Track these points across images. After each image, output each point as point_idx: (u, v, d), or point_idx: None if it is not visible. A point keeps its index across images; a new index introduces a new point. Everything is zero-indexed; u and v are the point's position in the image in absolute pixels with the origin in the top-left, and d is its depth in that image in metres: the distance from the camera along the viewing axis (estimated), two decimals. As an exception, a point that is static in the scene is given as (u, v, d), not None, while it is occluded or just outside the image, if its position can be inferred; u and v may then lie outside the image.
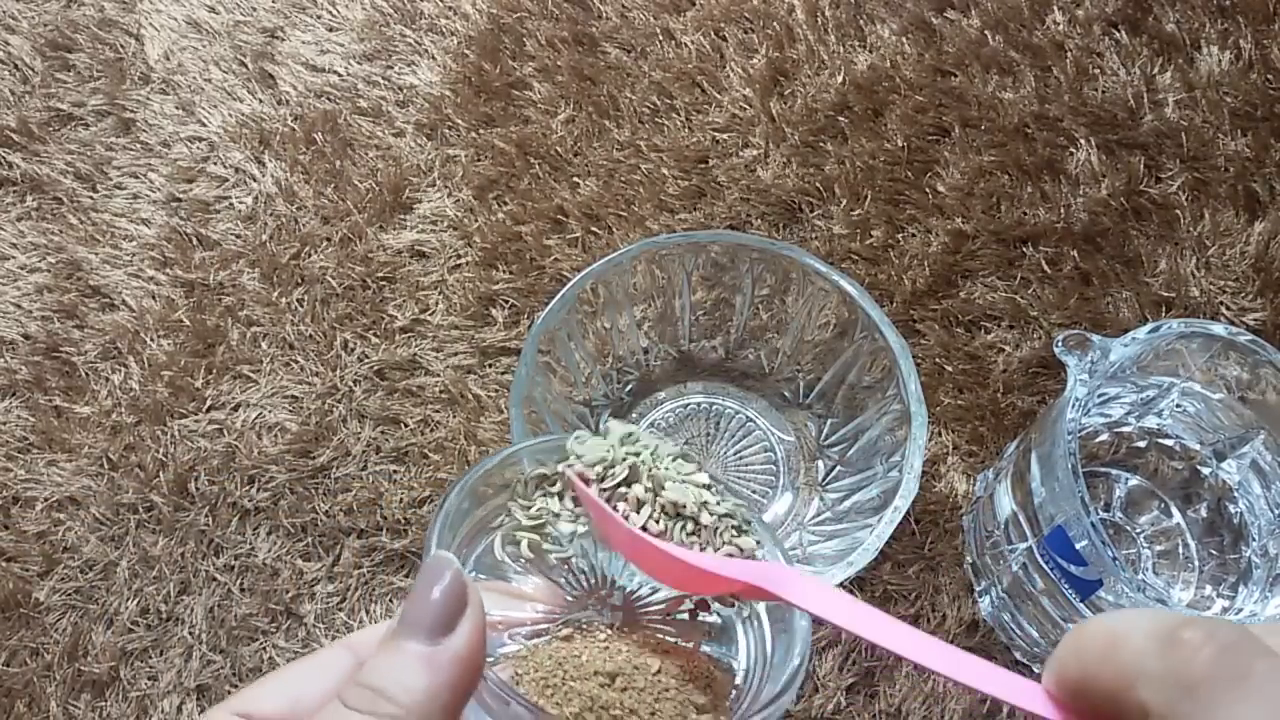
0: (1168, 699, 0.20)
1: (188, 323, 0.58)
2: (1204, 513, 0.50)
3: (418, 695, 0.25)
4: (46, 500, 0.55)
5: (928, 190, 0.60)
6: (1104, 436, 0.52)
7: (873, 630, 0.26)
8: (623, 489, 0.33)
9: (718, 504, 0.33)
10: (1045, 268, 0.58)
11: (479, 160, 0.62)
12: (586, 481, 0.33)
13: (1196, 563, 0.50)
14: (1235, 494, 0.50)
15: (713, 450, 0.55)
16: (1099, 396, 0.49)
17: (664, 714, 0.30)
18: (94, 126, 0.64)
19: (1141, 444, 0.51)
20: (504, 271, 0.59)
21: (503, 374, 0.57)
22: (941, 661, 0.24)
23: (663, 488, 0.33)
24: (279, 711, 0.28)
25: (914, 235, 0.59)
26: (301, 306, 0.58)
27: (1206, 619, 0.21)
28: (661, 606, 0.34)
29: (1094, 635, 0.22)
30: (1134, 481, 0.52)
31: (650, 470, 0.33)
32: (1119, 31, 0.64)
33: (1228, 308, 0.57)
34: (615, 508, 0.32)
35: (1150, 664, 0.20)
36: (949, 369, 0.56)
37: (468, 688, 0.26)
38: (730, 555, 0.33)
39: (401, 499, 0.54)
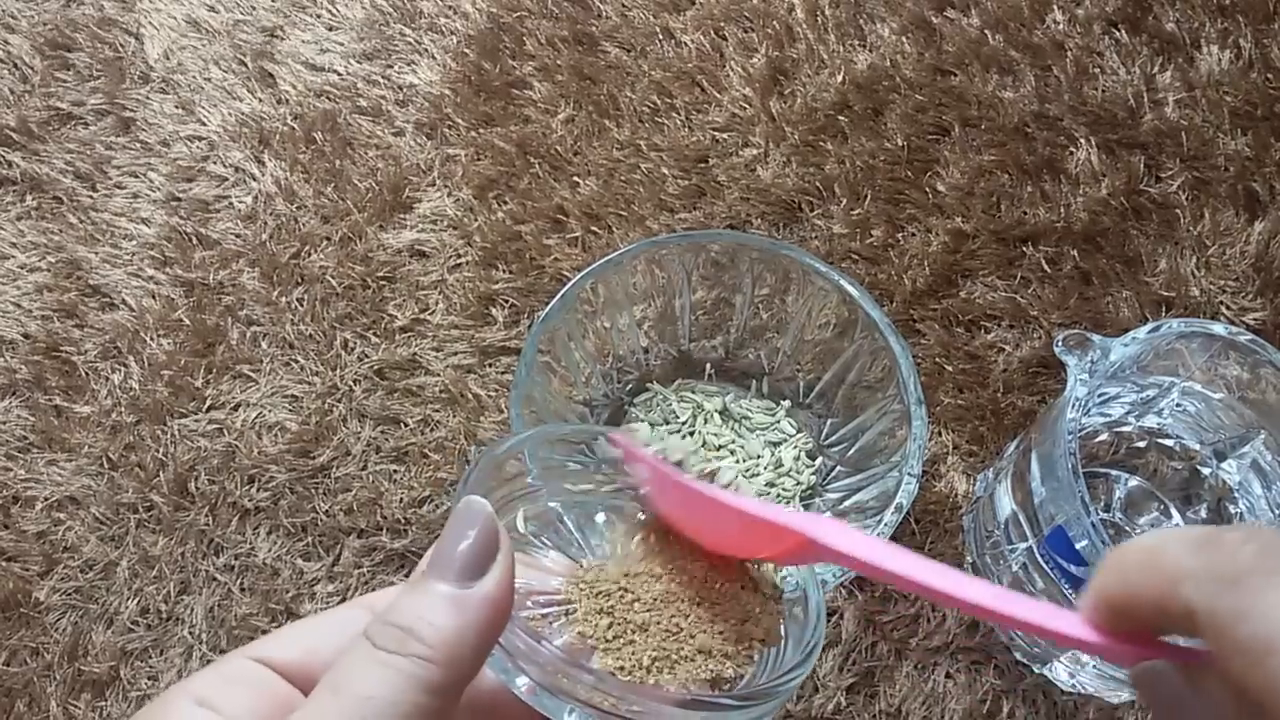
0: (1211, 593, 0.21)
1: (188, 322, 0.58)
2: (1204, 514, 0.50)
3: (447, 636, 0.25)
4: (46, 500, 0.55)
5: (928, 190, 0.60)
6: (1104, 436, 0.52)
7: (915, 572, 0.26)
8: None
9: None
10: (1045, 267, 0.58)
11: (479, 160, 0.62)
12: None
13: (1196, 563, 0.50)
14: (1235, 494, 0.50)
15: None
16: (1099, 396, 0.49)
17: (718, 629, 0.30)
18: (94, 126, 0.64)
19: (1141, 444, 0.51)
20: (504, 271, 0.59)
21: (503, 374, 0.57)
22: (988, 598, 0.25)
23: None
24: (294, 660, 0.28)
25: (914, 235, 0.59)
26: (301, 306, 0.58)
27: (1242, 524, 0.22)
28: None
29: (1133, 550, 0.23)
30: (1134, 483, 0.52)
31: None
32: (1119, 31, 0.64)
33: (1228, 307, 0.57)
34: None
35: (1192, 563, 0.21)
36: (949, 369, 0.56)
37: (496, 631, 0.26)
38: None
39: (401, 499, 0.54)
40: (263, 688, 0.27)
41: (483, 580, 0.26)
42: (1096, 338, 0.45)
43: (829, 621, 0.51)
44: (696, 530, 0.32)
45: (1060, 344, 0.45)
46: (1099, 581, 0.24)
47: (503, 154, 0.62)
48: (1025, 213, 0.59)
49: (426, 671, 0.24)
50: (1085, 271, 0.58)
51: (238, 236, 0.60)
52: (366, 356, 0.57)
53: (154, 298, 0.59)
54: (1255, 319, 0.56)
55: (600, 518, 0.35)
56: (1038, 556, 0.45)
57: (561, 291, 0.48)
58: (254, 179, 0.62)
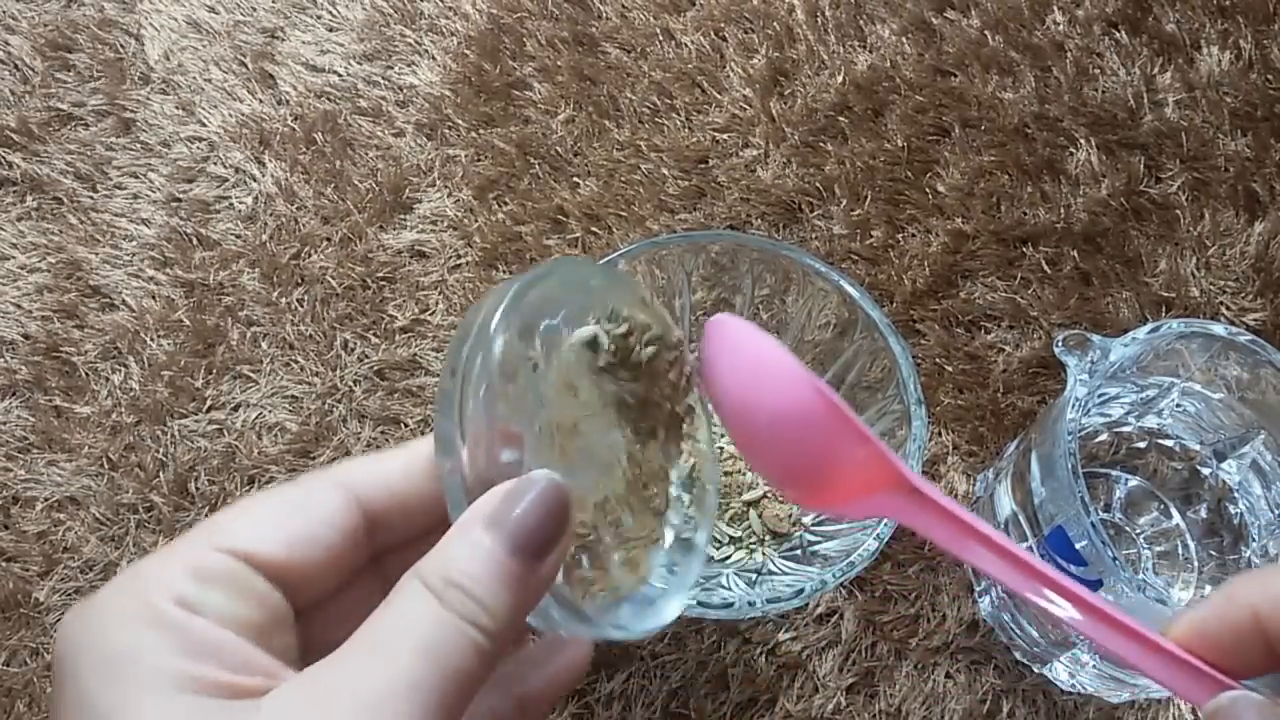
0: None
1: (188, 323, 0.58)
2: (1204, 513, 0.51)
3: (505, 615, 0.25)
4: (46, 500, 0.55)
5: (928, 190, 0.60)
6: (1104, 436, 0.52)
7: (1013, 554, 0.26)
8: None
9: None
10: (1045, 268, 0.58)
11: (479, 160, 0.62)
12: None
13: (1196, 563, 0.50)
14: (1235, 494, 0.50)
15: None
16: (1099, 396, 0.49)
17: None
18: (94, 126, 0.64)
19: (1141, 444, 0.51)
20: (504, 271, 0.59)
21: (503, 374, 0.57)
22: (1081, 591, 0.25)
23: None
24: (275, 555, 0.26)
25: (914, 235, 0.59)
26: (301, 306, 0.59)
27: None
28: None
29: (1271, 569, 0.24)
30: (1134, 482, 0.52)
31: None
32: (1119, 31, 0.64)
33: (1228, 308, 0.57)
34: None
35: None
36: (949, 369, 0.56)
37: (531, 609, 0.27)
38: None
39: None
40: (247, 591, 0.25)
41: (546, 561, 0.26)
42: (1096, 338, 0.45)
43: (828, 622, 0.51)
44: (764, 447, 0.31)
45: (1060, 344, 0.45)
46: (1228, 597, 0.24)
47: (503, 154, 0.62)
48: (1025, 213, 0.59)
49: (489, 644, 0.25)
50: (1085, 272, 0.58)
51: (238, 237, 0.61)
52: (367, 357, 0.57)
53: (154, 298, 0.59)
54: (1255, 319, 0.56)
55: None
56: (1038, 556, 0.45)
57: (561, 292, 0.48)
58: (254, 180, 0.62)
